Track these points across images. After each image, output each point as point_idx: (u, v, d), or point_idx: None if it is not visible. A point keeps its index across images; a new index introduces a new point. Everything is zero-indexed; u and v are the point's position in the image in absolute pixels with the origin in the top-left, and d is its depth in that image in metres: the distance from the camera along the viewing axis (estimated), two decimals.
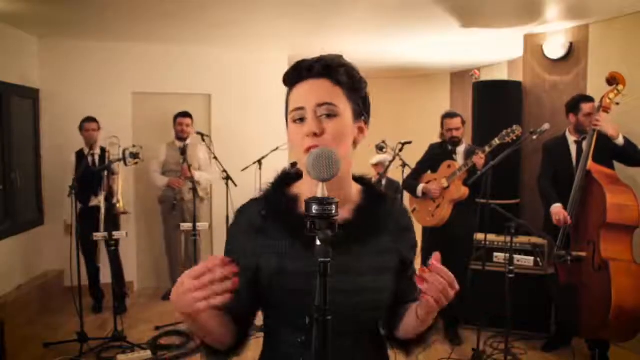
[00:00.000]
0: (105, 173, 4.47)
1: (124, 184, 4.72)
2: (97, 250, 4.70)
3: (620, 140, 3.36)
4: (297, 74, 1.12)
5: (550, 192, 3.69)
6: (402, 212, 1.25)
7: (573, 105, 3.68)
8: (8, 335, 3.67)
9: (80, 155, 4.74)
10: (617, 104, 3.37)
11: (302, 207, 1.09)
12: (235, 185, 4.62)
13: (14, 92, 4.72)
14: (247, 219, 1.18)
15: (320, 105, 1.08)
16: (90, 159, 4.68)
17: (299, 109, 1.10)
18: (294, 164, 1.21)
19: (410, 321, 1.13)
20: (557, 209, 3.50)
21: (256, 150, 5.04)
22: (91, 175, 4.43)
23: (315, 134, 1.07)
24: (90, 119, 4.76)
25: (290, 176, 1.22)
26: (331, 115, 1.08)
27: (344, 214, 1.13)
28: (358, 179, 1.23)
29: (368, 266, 1.13)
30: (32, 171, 5.06)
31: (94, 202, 4.56)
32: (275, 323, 1.18)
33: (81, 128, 4.74)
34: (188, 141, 5.08)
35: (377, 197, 1.19)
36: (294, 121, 1.11)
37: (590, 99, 3.66)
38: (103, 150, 4.75)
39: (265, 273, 1.13)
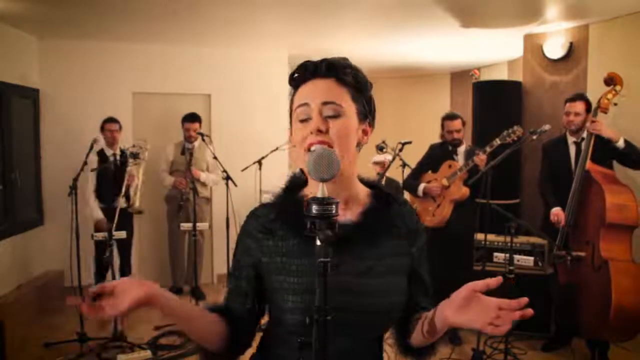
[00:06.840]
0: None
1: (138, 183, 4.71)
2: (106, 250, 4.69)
3: (620, 144, 3.34)
4: (302, 74, 1.12)
5: (550, 195, 3.70)
6: (410, 214, 1.22)
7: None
8: (8, 335, 3.67)
9: (101, 155, 4.64)
10: (615, 104, 3.36)
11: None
12: (235, 185, 4.61)
13: (14, 92, 4.71)
14: (256, 222, 1.17)
15: (325, 103, 1.07)
16: (112, 159, 4.62)
17: (303, 105, 1.09)
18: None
19: (422, 331, 1.11)
20: (556, 210, 3.55)
21: (256, 150, 5.04)
22: (112, 176, 4.47)
23: (319, 131, 1.06)
24: (112, 120, 4.72)
25: (301, 180, 1.20)
26: (336, 116, 1.08)
27: (351, 216, 1.13)
28: (366, 182, 1.21)
29: (375, 268, 1.11)
30: (32, 171, 5.06)
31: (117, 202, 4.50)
32: (276, 323, 1.17)
33: (102, 128, 4.69)
34: (196, 143, 5.07)
35: (386, 199, 1.17)
36: (300, 121, 1.10)
37: (572, 99, 3.64)
38: (122, 151, 4.67)
39: (269, 274, 1.12)
